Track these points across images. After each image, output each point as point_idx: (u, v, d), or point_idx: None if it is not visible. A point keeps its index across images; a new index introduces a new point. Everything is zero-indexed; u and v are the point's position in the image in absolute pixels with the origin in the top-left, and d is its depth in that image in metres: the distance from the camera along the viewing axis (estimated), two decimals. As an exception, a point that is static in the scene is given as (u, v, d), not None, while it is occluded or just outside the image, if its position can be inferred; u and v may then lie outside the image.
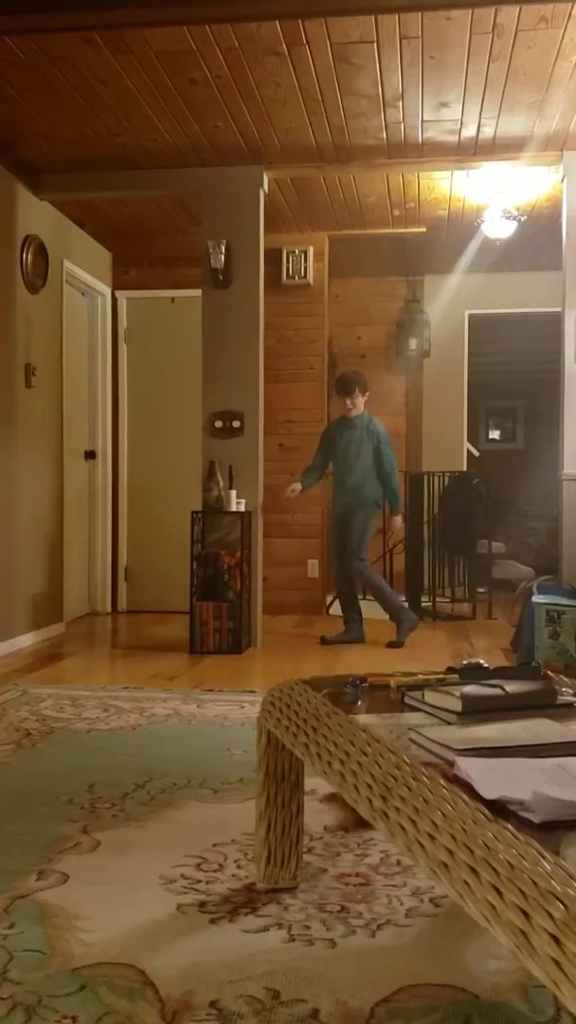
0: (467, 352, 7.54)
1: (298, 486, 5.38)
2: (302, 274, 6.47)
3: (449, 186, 5.51)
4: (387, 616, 5.21)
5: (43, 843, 2.18)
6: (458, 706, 1.64)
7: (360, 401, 5.28)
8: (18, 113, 4.48)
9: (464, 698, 1.65)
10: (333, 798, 2.45)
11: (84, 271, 6.17)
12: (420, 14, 3.61)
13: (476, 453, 8.52)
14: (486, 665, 2.02)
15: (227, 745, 3.07)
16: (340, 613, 5.40)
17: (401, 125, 4.59)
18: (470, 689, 1.70)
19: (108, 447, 6.61)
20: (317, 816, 2.32)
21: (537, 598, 4.28)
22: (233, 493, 5.10)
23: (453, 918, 1.79)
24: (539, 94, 4.24)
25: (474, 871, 1.04)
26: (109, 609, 6.62)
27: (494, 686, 1.72)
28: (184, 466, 6.20)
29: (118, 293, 6.68)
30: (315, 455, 5.46)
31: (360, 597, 5.37)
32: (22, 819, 2.36)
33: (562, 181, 5.02)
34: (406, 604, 5.54)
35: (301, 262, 6.46)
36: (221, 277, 5.20)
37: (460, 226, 6.16)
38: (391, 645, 5.05)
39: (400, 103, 4.35)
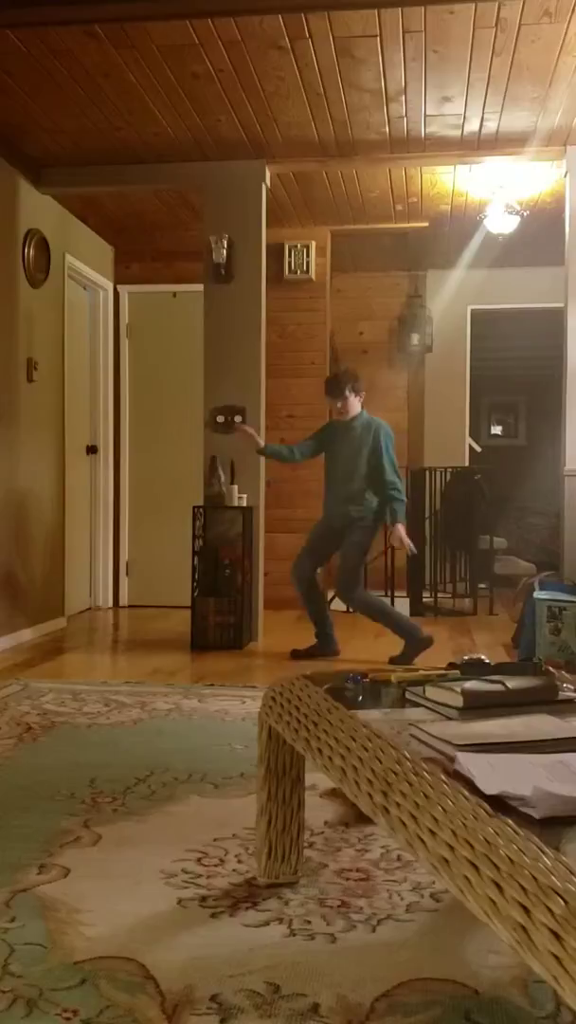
0: (469, 347, 7.52)
1: (261, 441, 4.90)
2: (304, 269, 6.46)
3: (452, 181, 5.50)
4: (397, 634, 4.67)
5: (44, 837, 2.18)
6: (459, 702, 1.64)
7: (353, 402, 4.65)
8: (20, 107, 4.47)
9: (465, 694, 1.65)
10: (334, 793, 2.45)
11: (86, 265, 6.16)
12: (423, 8, 3.60)
13: (478, 449, 8.51)
14: (487, 661, 2.02)
15: (228, 740, 3.07)
16: (309, 616, 4.84)
17: (404, 120, 4.58)
18: (471, 685, 1.70)
19: (110, 442, 6.61)
20: (318, 811, 2.32)
21: (538, 594, 4.28)
22: (235, 488, 5.09)
23: (453, 913, 1.79)
24: (542, 89, 4.23)
25: (475, 867, 1.04)
26: (111, 604, 6.63)
27: (495, 682, 1.72)
28: (186, 461, 6.19)
29: (120, 288, 6.67)
30: (306, 440, 4.87)
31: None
32: (23, 813, 2.36)
33: (565, 176, 5.01)
34: (414, 622, 4.84)
35: (303, 257, 6.45)
36: (223, 272, 5.19)
37: (463, 221, 6.15)
38: (394, 661, 4.42)
39: (403, 97, 4.33)
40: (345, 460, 4.68)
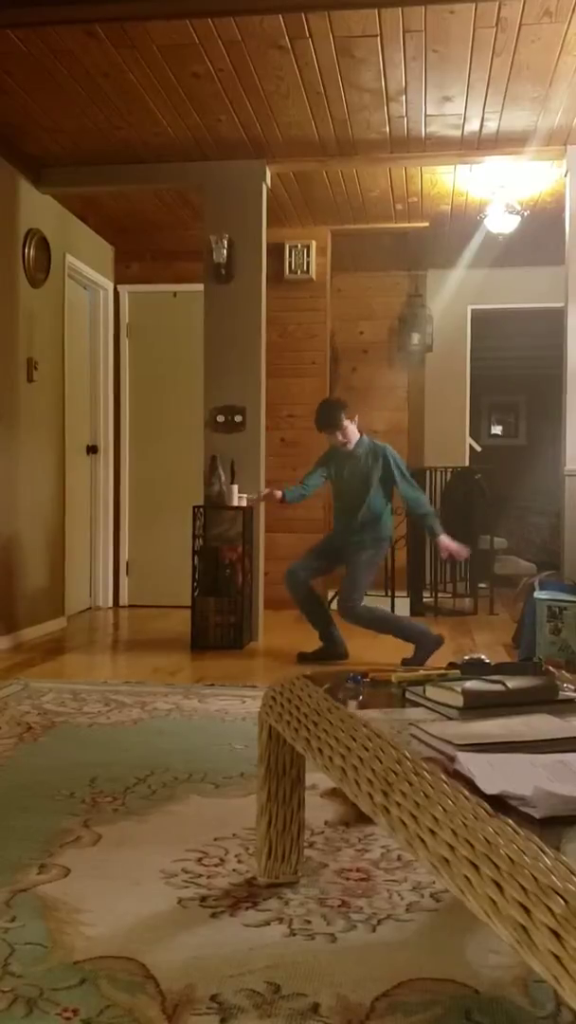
0: (469, 347, 7.52)
1: (278, 493, 4.73)
2: (304, 269, 6.46)
3: (452, 181, 5.50)
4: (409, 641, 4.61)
5: (44, 837, 2.18)
6: (459, 702, 1.64)
7: (351, 428, 4.61)
8: (20, 106, 4.48)
9: (465, 693, 1.65)
10: (334, 793, 2.45)
11: (86, 265, 6.16)
12: (423, 8, 3.60)
13: (478, 448, 8.51)
14: (487, 661, 2.02)
15: (228, 740, 3.07)
16: (310, 622, 4.76)
17: (404, 119, 4.58)
18: (471, 685, 1.70)
19: (110, 442, 6.61)
20: (318, 811, 2.32)
21: (539, 594, 4.28)
22: (235, 488, 5.09)
23: (453, 913, 1.79)
24: (543, 88, 4.23)
25: (475, 866, 1.04)
26: (111, 604, 6.63)
27: (495, 682, 1.72)
28: (186, 461, 6.19)
29: (120, 287, 6.68)
30: (314, 470, 4.80)
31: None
32: (24, 813, 2.36)
33: (565, 176, 5.01)
34: (422, 625, 4.78)
35: (303, 256, 6.45)
36: (223, 271, 5.19)
37: (463, 221, 6.15)
38: (407, 662, 4.39)
39: (403, 97, 4.33)
40: (352, 490, 4.63)
